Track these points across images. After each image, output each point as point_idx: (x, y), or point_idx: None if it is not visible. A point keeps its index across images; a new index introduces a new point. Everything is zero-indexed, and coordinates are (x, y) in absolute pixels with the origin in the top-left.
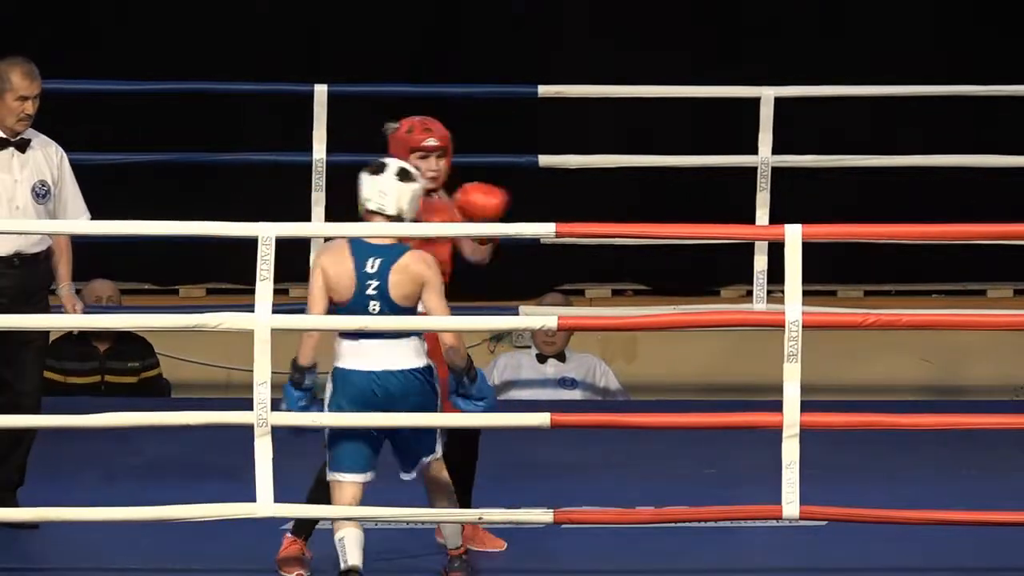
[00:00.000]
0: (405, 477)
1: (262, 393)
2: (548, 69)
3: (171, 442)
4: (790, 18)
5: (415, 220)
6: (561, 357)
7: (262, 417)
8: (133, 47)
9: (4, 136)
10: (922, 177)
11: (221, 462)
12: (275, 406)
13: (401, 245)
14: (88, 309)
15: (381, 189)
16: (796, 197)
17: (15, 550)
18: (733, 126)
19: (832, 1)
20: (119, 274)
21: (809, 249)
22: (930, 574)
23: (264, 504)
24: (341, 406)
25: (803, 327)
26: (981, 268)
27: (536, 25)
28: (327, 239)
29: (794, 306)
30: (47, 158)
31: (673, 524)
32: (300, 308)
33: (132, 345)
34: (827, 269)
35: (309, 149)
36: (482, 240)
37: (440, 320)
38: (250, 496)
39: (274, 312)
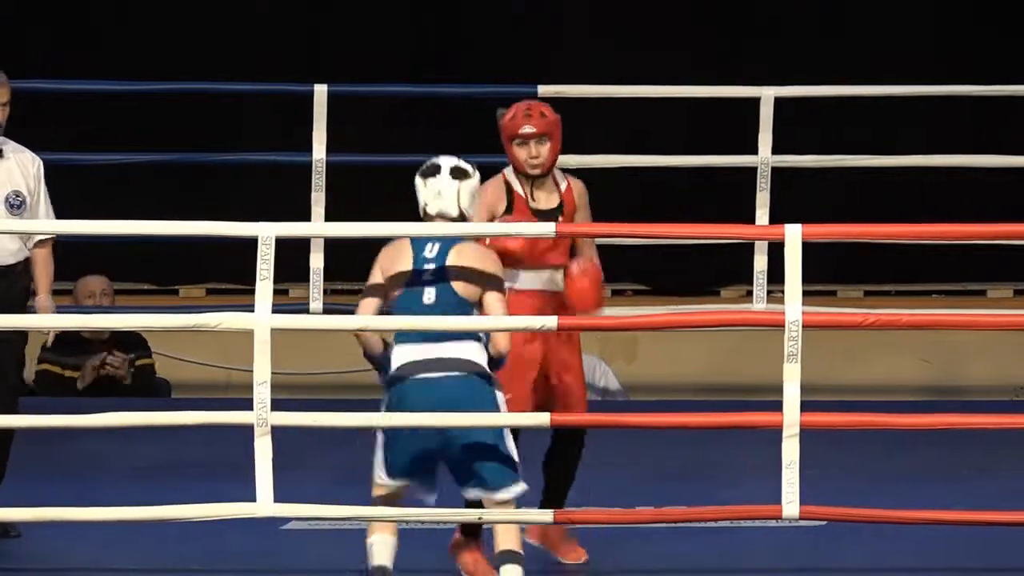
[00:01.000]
0: (467, 496)
1: (262, 393)
2: (548, 69)
3: (171, 442)
4: (790, 18)
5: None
6: None
7: (262, 417)
8: (133, 47)
9: None
10: (922, 177)
11: (221, 462)
12: (275, 406)
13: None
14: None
15: (437, 191)
16: (796, 197)
17: (10, 553)
18: (733, 126)
19: (832, 1)
20: (119, 274)
21: (809, 249)
22: (929, 574)
23: (264, 504)
24: (391, 411)
25: (803, 327)
26: (981, 268)
27: (536, 25)
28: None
29: (794, 306)
30: (22, 167)
31: (673, 524)
32: (300, 308)
33: (128, 337)
34: (827, 269)
35: (309, 149)
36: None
37: (442, 320)
38: (250, 496)
39: (274, 312)
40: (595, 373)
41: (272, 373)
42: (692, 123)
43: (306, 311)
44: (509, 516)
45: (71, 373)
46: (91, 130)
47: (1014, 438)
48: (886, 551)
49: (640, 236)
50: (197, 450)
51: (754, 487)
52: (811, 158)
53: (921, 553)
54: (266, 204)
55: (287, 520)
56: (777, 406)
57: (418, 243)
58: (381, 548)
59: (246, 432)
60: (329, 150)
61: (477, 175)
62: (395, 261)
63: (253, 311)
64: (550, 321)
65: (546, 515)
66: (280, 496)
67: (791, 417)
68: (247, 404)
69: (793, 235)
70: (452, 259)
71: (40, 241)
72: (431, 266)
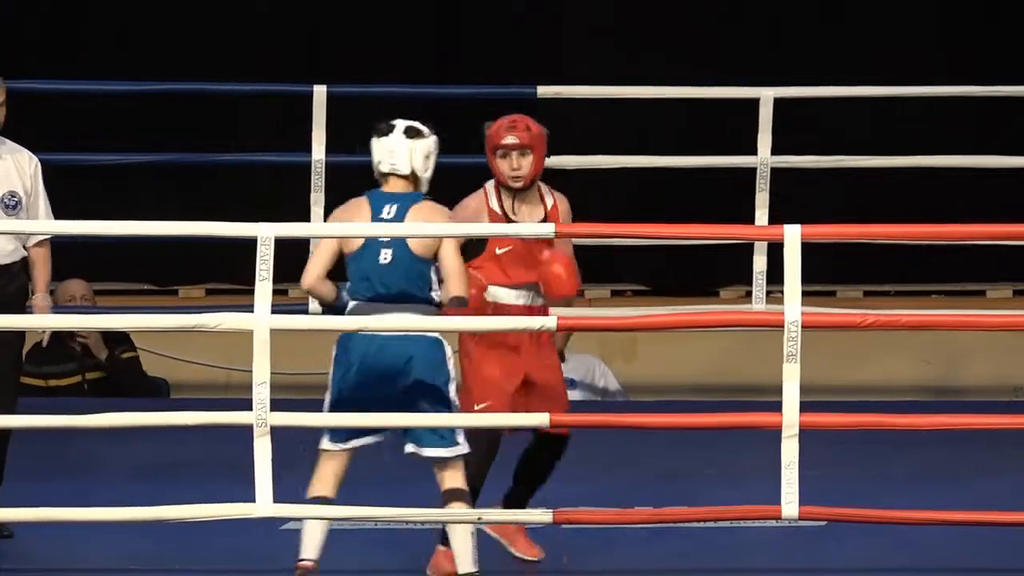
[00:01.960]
0: (409, 449)
1: (261, 393)
2: (548, 69)
3: (170, 442)
4: (790, 18)
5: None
6: (560, 357)
7: (261, 417)
8: (133, 47)
9: None
10: (922, 177)
11: (220, 462)
12: (275, 406)
13: (418, 193)
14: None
15: (390, 148)
16: (796, 197)
17: (10, 553)
18: (733, 127)
19: (832, 1)
20: (118, 274)
21: (809, 249)
22: (929, 574)
23: (263, 504)
24: (343, 372)
25: (802, 327)
26: (981, 268)
27: (536, 25)
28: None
29: (793, 306)
30: (18, 167)
31: (673, 524)
32: (300, 308)
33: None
34: (827, 269)
35: (309, 149)
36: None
37: (438, 320)
38: (249, 496)
39: (273, 312)
40: (594, 373)
41: (271, 373)
42: (692, 123)
43: (305, 311)
44: (508, 516)
45: (55, 382)
46: (90, 130)
47: (1013, 438)
48: (886, 551)
49: (640, 236)
50: (196, 450)
51: (754, 487)
52: (811, 158)
53: (921, 553)
54: (266, 204)
55: (286, 520)
56: (776, 406)
57: (376, 203)
58: (312, 536)
59: (245, 432)
60: (328, 150)
61: (433, 137)
62: (351, 217)
63: (252, 311)
64: (550, 321)
65: (546, 515)
66: (279, 496)
67: (790, 417)
68: (246, 404)
69: (792, 235)
70: (410, 219)
71: (39, 241)
72: None
